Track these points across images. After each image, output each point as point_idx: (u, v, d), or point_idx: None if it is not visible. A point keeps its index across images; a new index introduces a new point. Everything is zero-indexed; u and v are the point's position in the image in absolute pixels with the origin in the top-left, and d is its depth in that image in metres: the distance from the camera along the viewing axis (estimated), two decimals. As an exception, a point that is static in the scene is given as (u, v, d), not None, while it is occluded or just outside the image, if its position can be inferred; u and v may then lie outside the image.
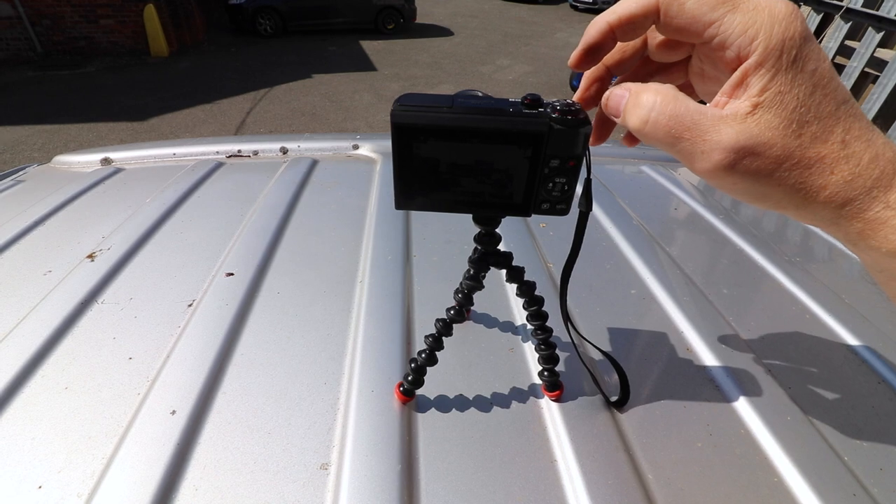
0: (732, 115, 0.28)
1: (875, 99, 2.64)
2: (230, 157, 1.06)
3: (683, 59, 0.35)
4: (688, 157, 0.29)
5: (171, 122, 5.56)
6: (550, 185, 0.36)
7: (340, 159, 1.06)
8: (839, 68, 2.85)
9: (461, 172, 0.36)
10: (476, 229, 0.42)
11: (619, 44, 0.34)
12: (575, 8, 15.44)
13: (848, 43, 2.87)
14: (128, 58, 7.29)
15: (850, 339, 0.62)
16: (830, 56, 2.80)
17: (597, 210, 0.87)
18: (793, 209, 0.29)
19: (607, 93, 0.33)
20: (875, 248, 0.27)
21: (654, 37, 0.35)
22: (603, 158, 1.13)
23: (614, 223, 0.83)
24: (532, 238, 0.77)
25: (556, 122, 0.33)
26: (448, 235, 0.76)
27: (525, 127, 0.33)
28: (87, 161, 1.07)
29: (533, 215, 0.39)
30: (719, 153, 0.28)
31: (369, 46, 8.97)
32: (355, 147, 1.10)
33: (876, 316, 0.66)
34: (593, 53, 0.33)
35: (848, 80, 2.71)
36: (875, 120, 2.58)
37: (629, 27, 0.31)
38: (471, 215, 0.41)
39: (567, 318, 0.43)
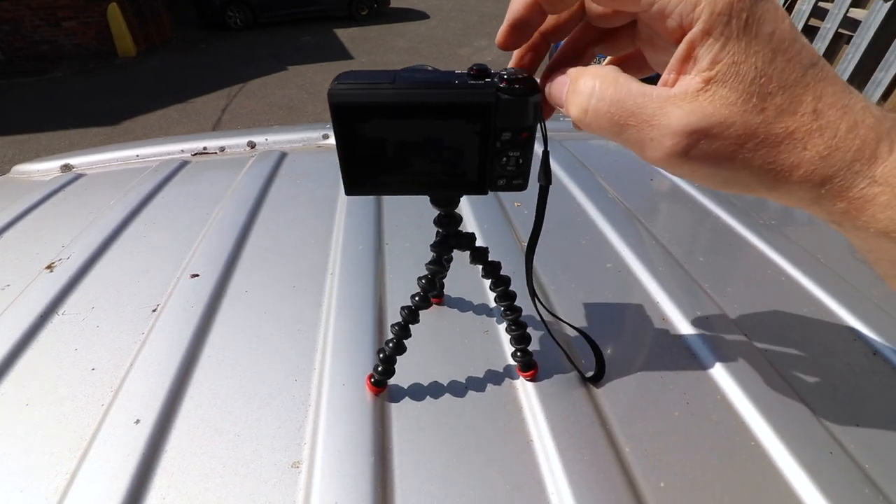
0: (682, 94, 0.25)
1: (850, 59, 2.65)
2: (196, 154, 1.03)
3: (629, 23, 0.32)
4: (637, 146, 0.27)
5: (145, 123, 5.43)
6: (504, 159, 0.34)
7: (310, 150, 1.03)
8: (813, 31, 2.85)
9: (410, 152, 0.34)
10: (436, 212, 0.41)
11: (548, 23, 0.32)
12: (550, -17, 15.22)
13: (821, 4, 2.86)
14: (94, 60, 7.08)
15: (826, 299, 0.62)
16: (804, 19, 2.80)
17: (571, 186, 0.86)
18: (765, 191, 0.26)
19: (550, 81, 0.31)
20: (862, 227, 0.25)
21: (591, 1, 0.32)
22: (577, 133, 1.11)
23: (589, 198, 0.82)
24: (506, 217, 0.75)
25: (504, 91, 0.31)
26: (421, 220, 0.74)
27: (471, 98, 0.31)
28: (46, 169, 1.03)
29: (498, 193, 0.37)
30: (670, 138, 0.25)
31: (344, 34, 8.79)
32: (325, 137, 1.07)
33: (851, 274, 0.66)
34: (520, 30, 0.31)
35: (822, 42, 2.71)
36: (850, 81, 2.59)
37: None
38: (428, 197, 0.39)
39: (534, 295, 0.42)
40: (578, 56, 0.35)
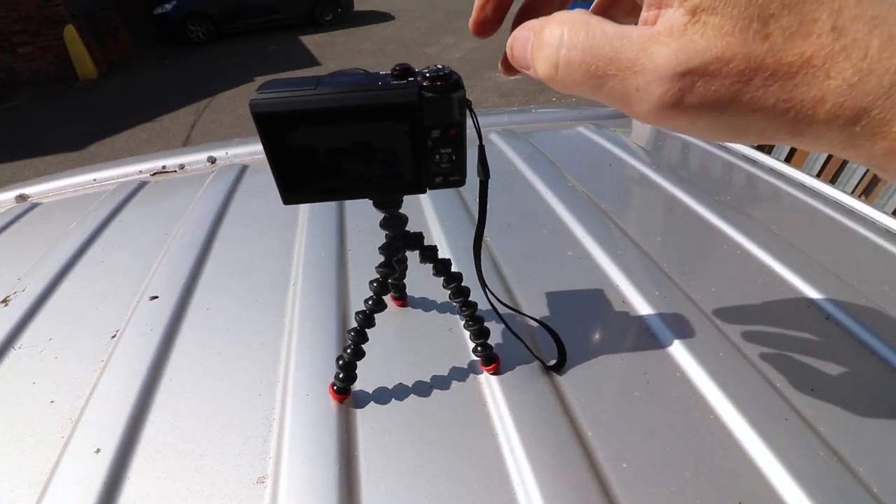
0: (667, 31, 0.21)
1: None
2: (155, 174, 1.01)
3: None
4: (621, 99, 0.22)
5: (112, 146, 5.31)
6: (437, 157, 0.35)
7: (272, 161, 1.02)
8: None
9: (343, 157, 0.34)
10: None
11: None
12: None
13: None
14: (54, 85, 6.89)
15: (779, 268, 0.63)
16: None
17: (532, 177, 0.86)
18: (786, 136, 0.21)
19: (511, 36, 0.27)
20: None
21: None
22: (538, 125, 1.13)
23: (551, 189, 0.82)
24: (468, 213, 0.76)
25: (427, 90, 0.31)
26: (383, 224, 0.74)
27: (393, 99, 0.31)
28: (1, 200, 1.00)
29: (437, 191, 0.38)
30: (658, 85, 0.21)
31: (310, 41, 8.71)
32: (286, 146, 1.06)
33: (804, 242, 0.68)
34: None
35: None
36: None
37: None
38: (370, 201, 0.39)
39: (485, 286, 0.42)
40: (544, 4, 0.30)
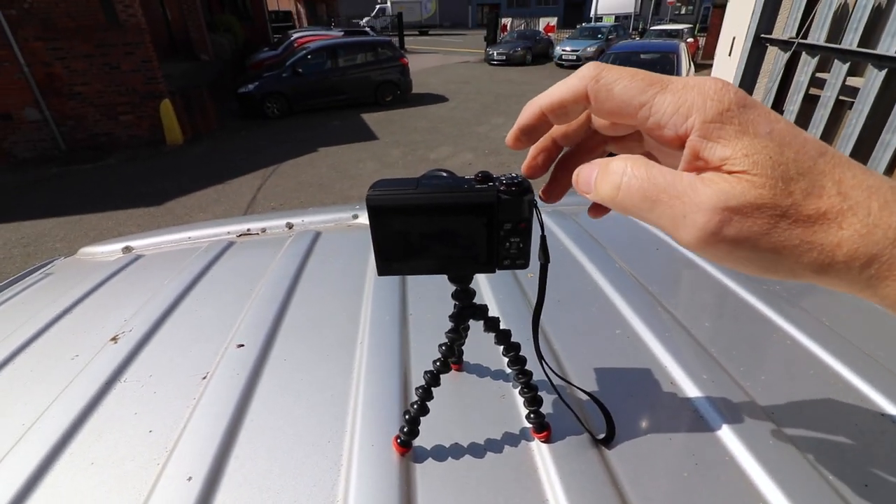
0: (711, 176, 0.26)
1: (854, 124, 2.73)
2: (240, 235, 1.14)
3: (633, 132, 0.34)
4: (669, 222, 0.27)
5: (186, 203, 5.85)
6: (507, 244, 0.42)
7: (342, 229, 1.14)
8: (815, 99, 2.97)
9: (430, 240, 0.42)
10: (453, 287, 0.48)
11: (556, 133, 0.36)
12: (560, 66, 16.36)
13: (819, 75, 3.00)
14: (145, 148, 7.79)
15: (831, 361, 0.64)
16: (803, 90, 2.93)
17: (582, 257, 0.92)
18: (814, 276, 0.25)
19: (577, 170, 0.32)
20: None
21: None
22: (583, 207, 1.20)
23: (599, 269, 0.87)
24: (520, 287, 0.82)
25: (504, 193, 0.39)
26: (440, 293, 0.81)
27: (478, 200, 0.39)
28: (109, 251, 1.16)
29: (506, 271, 0.44)
30: (703, 214, 0.25)
31: (370, 118, 9.51)
32: (355, 217, 1.18)
33: (856, 336, 0.69)
34: (528, 134, 0.34)
35: (824, 109, 2.82)
36: (858, 145, 2.65)
37: (560, 111, 0.32)
38: (446, 275, 0.46)
39: (542, 358, 0.47)
40: (590, 151, 0.38)
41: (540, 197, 0.40)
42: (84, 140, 7.62)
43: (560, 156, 0.38)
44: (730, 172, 0.25)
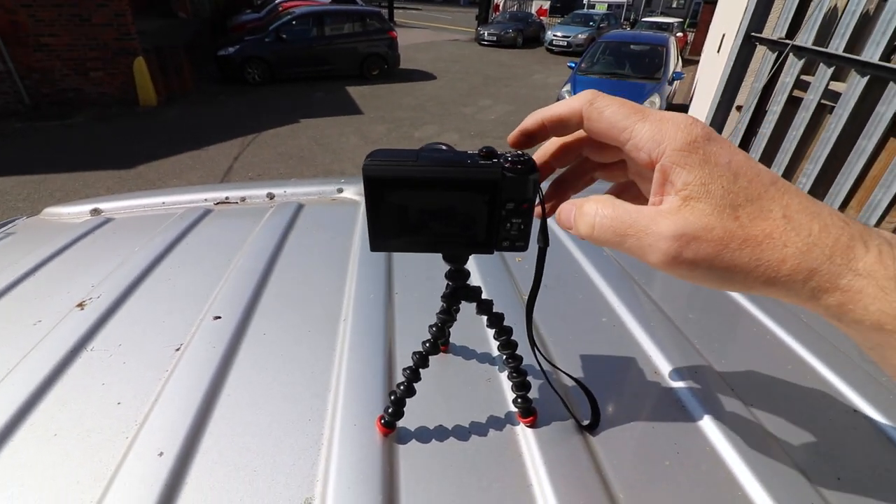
0: (668, 210, 0.30)
1: (833, 128, 2.80)
2: (218, 203, 1.10)
3: (619, 160, 0.39)
4: (638, 251, 0.32)
5: (159, 168, 5.63)
6: (508, 225, 0.40)
7: (325, 203, 1.11)
8: (797, 101, 3.03)
9: (428, 217, 0.40)
10: (447, 267, 0.46)
11: (560, 140, 0.40)
12: (550, 51, 16.22)
13: (803, 77, 3.05)
14: (116, 107, 7.42)
15: (808, 357, 0.65)
16: (787, 91, 2.98)
17: (571, 246, 0.91)
18: (764, 288, 0.29)
19: (559, 209, 0.38)
20: (858, 321, 0.27)
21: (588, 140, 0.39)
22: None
23: (587, 257, 0.87)
24: (508, 272, 0.81)
25: (508, 170, 0.37)
26: (429, 272, 0.79)
27: (482, 176, 0.37)
28: (76, 212, 1.10)
29: (499, 254, 0.43)
30: (665, 242, 0.30)
31: (355, 91, 9.27)
32: (340, 190, 1.14)
33: (831, 334, 0.70)
34: (529, 137, 0.39)
35: (806, 112, 2.87)
36: (834, 150, 2.72)
37: (559, 125, 0.37)
38: (441, 254, 0.44)
39: (534, 344, 0.46)
40: (580, 176, 0.43)
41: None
42: (50, 95, 7.20)
43: (555, 180, 0.43)
44: (686, 198, 0.30)
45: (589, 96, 0.35)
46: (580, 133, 0.38)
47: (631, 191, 0.40)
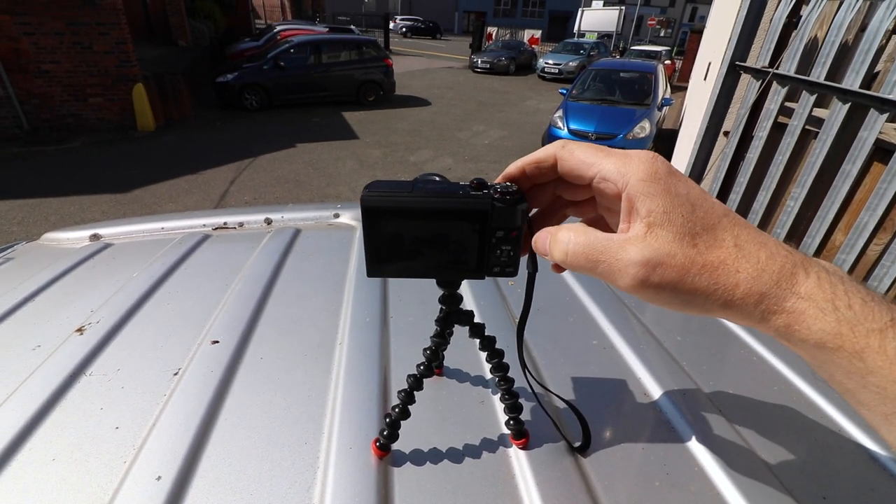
0: (635, 237, 0.33)
1: (817, 153, 2.87)
2: (216, 229, 1.11)
3: (589, 198, 0.42)
4: (609, 276, 0.34)
5: (155, 192, 5.65)
6: (498, 251, 0.42)
7: (322, 228, 1.13)
8: (783, 127, 3.11)
9: (422, 244, 0.42)
10: (441, 292, 0.48)
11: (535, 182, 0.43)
12: (542, 78, 16.63)
13: (787, 104, 3.14)
14: (114, 133, 7.49)
15: (793, 378, 0.67)
16: (772, 118, 3.07)
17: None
18: (721, 311, 0.31)
19: (535, 236, 0.41)
20: (804, 340, 0.29)
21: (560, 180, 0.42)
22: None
23: (578, 280, 0.89)
24: (500, 295, 0.82)
25: (498, 201, 0.40)
26: (422, 296, 0.81)
27: (473, 206, 0.40)
28: (76, 237, 1.11)
29: (478, 281, 0.45)
30: (633, 268, 0.32)
31: (351, 117, 9.43)
32: (336, 216, 1.17)
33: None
34: (512, 180, 0.42)
35: (791, 137, 2.96)
36: (820, 174, 2.79)
37: (537, 168, 0.40)
38: (434, 280, 0.46)
39: (525, 367, 0.48)
40: (553, 214, 0.45)
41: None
42: (49, 120, 7.26)
43: (531, 216, 0.45)
44: (650, 225, 0.32)
45: (561, 143, 0.39)
46: (553, 176, 0.41)
47: (599, 224, 0.42)
